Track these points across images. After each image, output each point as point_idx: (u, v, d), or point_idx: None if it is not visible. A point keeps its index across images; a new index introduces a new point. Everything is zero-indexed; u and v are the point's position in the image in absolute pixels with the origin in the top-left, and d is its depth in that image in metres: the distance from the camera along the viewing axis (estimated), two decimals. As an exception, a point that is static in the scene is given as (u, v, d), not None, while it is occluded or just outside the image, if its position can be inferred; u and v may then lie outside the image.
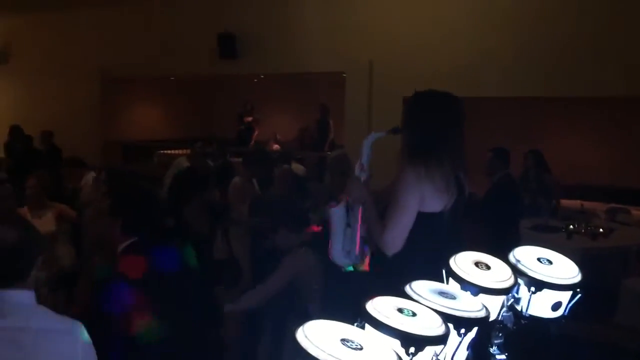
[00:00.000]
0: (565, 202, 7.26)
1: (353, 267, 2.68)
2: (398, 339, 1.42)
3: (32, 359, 1.74)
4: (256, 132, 11.76)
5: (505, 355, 1.90)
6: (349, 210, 2.56)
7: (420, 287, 1.70)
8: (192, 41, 9.79)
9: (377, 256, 2.54)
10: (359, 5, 8.25)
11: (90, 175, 5.66)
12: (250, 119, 11.66)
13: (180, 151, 10.32)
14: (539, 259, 1.95)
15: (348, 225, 2.57)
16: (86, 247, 3.71)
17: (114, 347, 2.37)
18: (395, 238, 2.42)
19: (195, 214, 3.97)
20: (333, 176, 4.75)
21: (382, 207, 2.51)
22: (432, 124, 2.49)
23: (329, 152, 9.64)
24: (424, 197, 2.43)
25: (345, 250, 2.58)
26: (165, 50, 10.10)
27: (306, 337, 1.29)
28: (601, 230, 5.96)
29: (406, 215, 2.41)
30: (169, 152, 11.03)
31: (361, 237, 2.58)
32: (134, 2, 10.33)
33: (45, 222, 4.62)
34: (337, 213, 2.58)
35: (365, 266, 2.70)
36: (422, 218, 2.44)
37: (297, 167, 6.62)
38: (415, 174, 2.41)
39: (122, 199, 2.73)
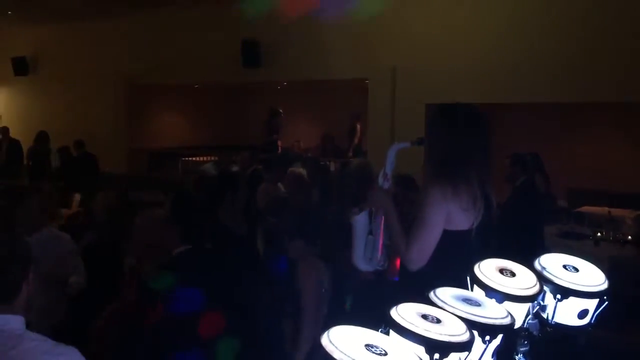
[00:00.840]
0: (592, 209, 7.15)
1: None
2: (422, 345, 1.42)
3: None
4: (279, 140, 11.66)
5: (531, 363, 1.88)
6: (371, 218, 2.57)
7: (445, 294, 1.70)
8: (216, 49, 9.89)
9: (404, 272, 2.53)
10: (381, 11, 8.25)
11: (78, 198, 5.67)
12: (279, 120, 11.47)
13: (205, 158, 10.43)
14: (564, 266, 1.93)
15: (370, 232, 2.58)
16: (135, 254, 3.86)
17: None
18: (419, 255, 2.39)
19: (230, 216, 4.01)
20: (354, 184, 4.74)
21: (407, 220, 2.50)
22: (459, 141, 2.43)
23: (352, 158, 9.63)
24: (451, 215, 2.39)
25: (367, 257, 2.59)
26: (189, 58, 10.23)
27: (331, 341, 1.30)
28: (630, 237, 5.86)
29: (431, 233, 2.38)
30: (194, 159, 11.14)
31: (383, 245, 2.58)
32: (158, 10, 10.48)
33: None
34: (359, 220, 2.60)
35: (393, 274, 2.70)
36: (449, 236, 2.40)
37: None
38: (442, 193, 2.38)
39: (181, 207, 2.81)
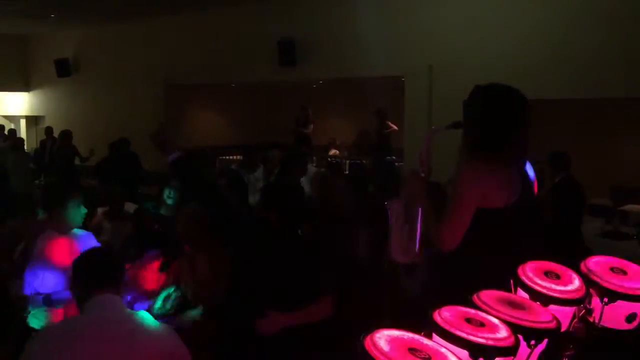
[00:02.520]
0: (637, 207, 6.96)
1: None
2: (467, 349, 1.40)
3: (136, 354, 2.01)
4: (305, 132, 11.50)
5: (577, 368, 1.84)
6: (407, 207, 2.54)
7: (488, 297, 1.68)
8: (252, 48, 9.97)
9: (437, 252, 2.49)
10: (417, 9, 8.19)
11: (102, 214, 5.26)
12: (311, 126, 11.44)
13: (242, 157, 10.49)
14: (611, 269, 1.88)
15: (406, 222, 2.55)
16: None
17: None
18: (452, 235, 2.36)
19: None
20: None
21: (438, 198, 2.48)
22: (496, 120, 2.39)
23: (388, 157, 9.59)
24: (484, 194, 2.36)
25: (403, 247, 2.54)
26: (226, 57, 10.34)
27: (374, 345, 1.30)
28: (677, 236, 5.66)
29: (464, 213, 2.35)
30: (231, 158, 11.24)
31: (420, 234, 2.54)
32: (196, 11, 10.62)
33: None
34: (395, 209, 2.57)
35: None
36: (483, 214, 2.37)
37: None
38: (477, 173, 2.35)
39: (277, 192, 3.05)
